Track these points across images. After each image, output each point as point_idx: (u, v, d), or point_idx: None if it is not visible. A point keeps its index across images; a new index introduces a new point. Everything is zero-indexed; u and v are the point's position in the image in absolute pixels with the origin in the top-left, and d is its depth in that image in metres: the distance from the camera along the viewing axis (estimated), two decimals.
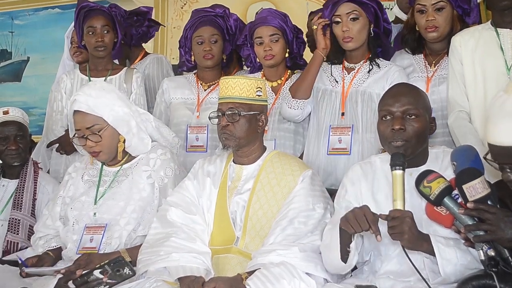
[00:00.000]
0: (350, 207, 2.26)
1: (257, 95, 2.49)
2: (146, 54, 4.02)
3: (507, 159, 1.90)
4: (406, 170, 2.10)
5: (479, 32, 2.75)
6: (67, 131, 3.36)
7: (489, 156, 1.96)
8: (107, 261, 2.15)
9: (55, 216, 2.73)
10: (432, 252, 2.05)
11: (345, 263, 2.13)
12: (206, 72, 3.31)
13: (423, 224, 2.13)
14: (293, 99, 2.90)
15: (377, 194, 2.29)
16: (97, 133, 2.61)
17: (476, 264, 2.03)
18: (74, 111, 2.64)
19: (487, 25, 2.77)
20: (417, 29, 2.92)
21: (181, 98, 3.32)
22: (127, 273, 2.09)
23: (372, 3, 2.88)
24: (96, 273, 2.08)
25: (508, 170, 1.92)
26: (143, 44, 4.07)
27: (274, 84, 3.13)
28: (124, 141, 2.68)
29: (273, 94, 3.10)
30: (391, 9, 3.96)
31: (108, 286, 2.08)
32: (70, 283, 2.16)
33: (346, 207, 2.26)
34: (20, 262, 2.57)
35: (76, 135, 2.66)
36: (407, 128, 2.17)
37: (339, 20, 2.86)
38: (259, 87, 2.50)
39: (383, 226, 2.07)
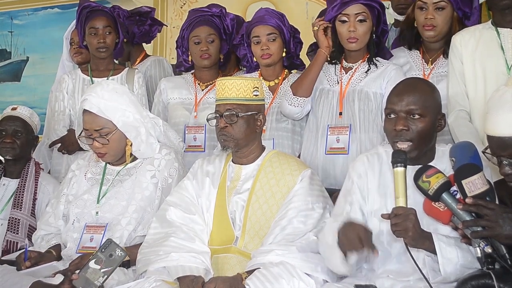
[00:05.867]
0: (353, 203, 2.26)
1: (254, 95, 2.49)
2: (146, 55, 4.04)
3: (504, 150, 1.91)
4: (413, 167, 2.09)
5: (479, 32, 2.75)
6: (69, 130, 3.38)
7: (488, 151, 1.97)
8: (98, 248, 2.15)
9: (58, 214, 2.73)
10: (433, 251, 2.04)
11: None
12: (203, 72, 3.32)
13: (424, 222, 2.12)
14: (294, 97, 2.90)
15: (383, 188, 2.26)
16: (105, 136, 2.61)
17: (476, 264, 2.02)
18: (84, 110, 2.63)
19: (488, 25, 2.77)
20: (416, 25, 2.92)
21: (179, 98, 3.32)
22: (119, 255, 2.10)
23: (376, 5, 2.87)
24: (92, 264, 2.08)
25: (505, 163, 1.92)
26: (143, 45, 4.08)
27: (272, 83, 3.13)
28: (131, 145, 2.68)
29: (271, 93, 3.10)
30: (387, 8, 3.96)
31: (106, 276, 2.08)
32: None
33: (351, 202, 2.27)
34: (25, 249, 2.56)
35: (83, 134, 2.67)
36: (411, 128, 2.14)
37: (346, 19, 2.84)
38: (256, 87, 2.50)
39: (386, 223, 2.07)
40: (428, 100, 2.19)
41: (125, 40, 3.74)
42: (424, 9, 2.84)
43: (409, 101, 2.16)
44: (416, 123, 2.15)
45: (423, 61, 2.97)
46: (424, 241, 2.03)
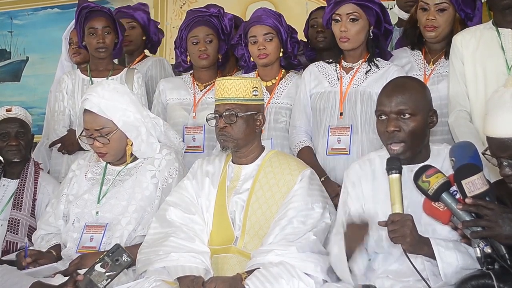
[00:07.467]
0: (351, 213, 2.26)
1: (253, 95, 2.49)
2: (145, 56, 4.05)
3: (504, 151, 1.91)
4: (408, 166, 2.10)
5: (480, 32, 2.76)
6: (69, 131, 3.38)
7: (487, 153, 1.97)
8: (106, 252, 2.18)
9: (58, 214, 2.73)
10: (432, 256, 2.04)
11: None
12: (202, 72, 3.31)
13: (422, 223, 2.13)
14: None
15: (378, 194, 2.26)
16: (105, 136, 2.62)
17: (476, 265, 2.02)
18: (85, 109, 2.64)
19: (488, 25, 2.77)
20: (418, 25, 2.92)
21: (178, 99, 3.32)
22: (125, 260, 2.14)
23: (374, 6, 2.87)
24: (98, 267, 2.12)
25: (505, 164, 1.92)
26: None
27: (269, 83, 3.13)
28: (131, 144, 2.69)
29: (268, 93, 3.10)
30: (391, 9, 3.96)
31: (110, 280, 2.12)
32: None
33: (348, 213, 2.27)
34: (25, 248, 2.57)
35: (84, 133, 2.67)
36: (403, 129, 2.14)
37: (338, 19, 2.85)
38: (255, 87, 2.50)
39: (383, 231, 2.08)
40: (417, 98, 2.18)
41: (143, 38, 3.84)
42: (426, 9, 2.85)
43: (398, 101, 2.15)
44: (407, 122, 2.14)
45: (425, 61, 2.97)
46: (422, 246, 2.04)
